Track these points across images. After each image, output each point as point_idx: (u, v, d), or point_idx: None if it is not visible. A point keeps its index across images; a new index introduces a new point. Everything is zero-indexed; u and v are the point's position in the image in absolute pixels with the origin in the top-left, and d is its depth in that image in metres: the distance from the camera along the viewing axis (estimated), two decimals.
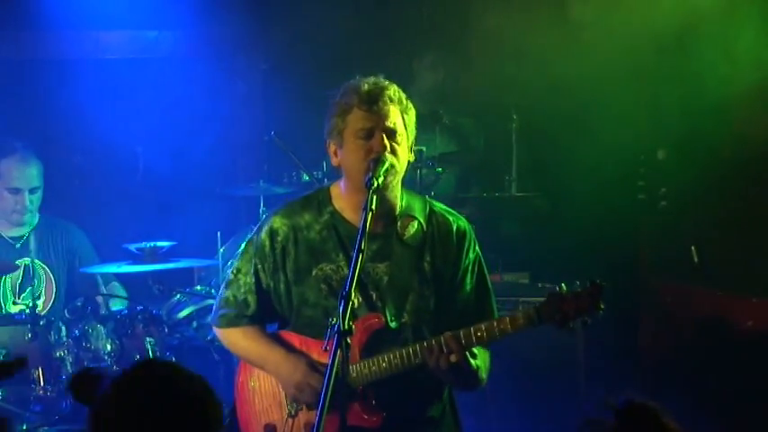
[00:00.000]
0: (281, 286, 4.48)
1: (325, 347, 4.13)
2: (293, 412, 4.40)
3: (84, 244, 7.14)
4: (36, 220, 7.04)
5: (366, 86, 4.28)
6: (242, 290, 4.52)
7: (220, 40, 8.43)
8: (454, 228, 4.47)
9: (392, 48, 7.93)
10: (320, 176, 6.96)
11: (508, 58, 7.74)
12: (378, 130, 4.25)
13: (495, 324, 4.17)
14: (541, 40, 7.35)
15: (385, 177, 4.18)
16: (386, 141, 4.24)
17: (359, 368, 4.27)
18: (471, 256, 4.48)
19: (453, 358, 4.13)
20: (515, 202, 7.72)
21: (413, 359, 4.21)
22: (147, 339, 6.43)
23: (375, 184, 4.10)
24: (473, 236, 4.51)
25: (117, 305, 6.83)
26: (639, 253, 7.96)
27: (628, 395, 2.66)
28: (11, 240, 7.00)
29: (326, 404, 3.65)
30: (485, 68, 7.90)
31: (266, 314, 4.57)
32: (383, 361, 4.25)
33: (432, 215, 4.48)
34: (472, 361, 4.21)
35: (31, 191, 6.86)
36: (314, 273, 4.40)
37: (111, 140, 7.97)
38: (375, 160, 4.20)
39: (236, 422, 4.60)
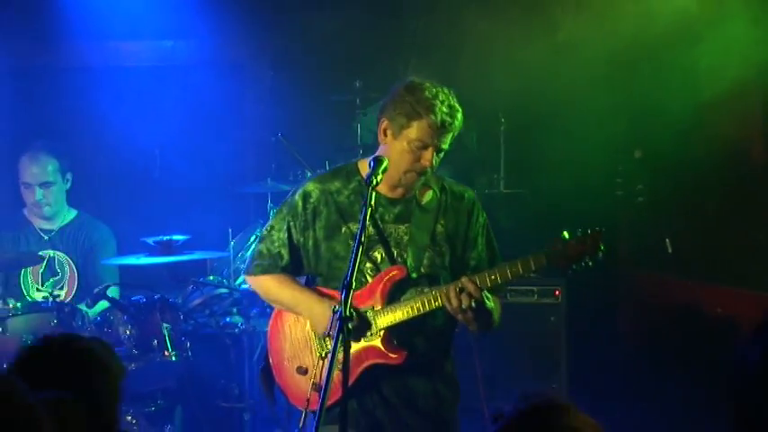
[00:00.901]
0: (310, 242, 4.65)
1: (328, 332, 4.36)
2: (323, 354, 4.51)
3: (106, 241, 7.14)
4: (71, 216, 7.08)
5: (442, 111, 4.39)
6: (275, 244, 4.70)
7: (231, 49, 8.45)
8: (465, 196, 4.70)
9: (390, 57, 7.93)
10: None
11: (497, 66, 7.71)
12: (432, 147, 4.42)
13: (507, 267, 4.37)
14: (528, 49, 7.37)
15: (381, 173, 4.30)
16: (434, 158, 4.45)
17: (384, 313, 4.47)
18: (481, 220, 4.69)
19: (472, 298, 4.31)
20: (504, 199, 7.80)
21: (433, 303, 4.39)
22: (164, 325, 6.46)
23: (374, 182, 4.24)
24: (480, 204, 4.73)
25: (113, 292, 6.84)
26: (617, 245, 7.86)
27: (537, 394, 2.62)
28: (41, 233, 7.02)
29: (330, 378, 3.84)
30: (475, 75, 7.90)
31: (295, 267, 4.74)
32: (407, 306, 4.44)
33: (444, 186, 4.69)
34: (487, 302, 4.40)
35: (42, 185, 6.88)
36: (343, 230, 4.58)
37: (131, 142, 7.97)
38: (375, 159, 4.35)
39: (270, 367, 4.77)
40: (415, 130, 4.40)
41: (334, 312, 3.94)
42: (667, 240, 7.32)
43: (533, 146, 7.75)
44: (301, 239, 4.66)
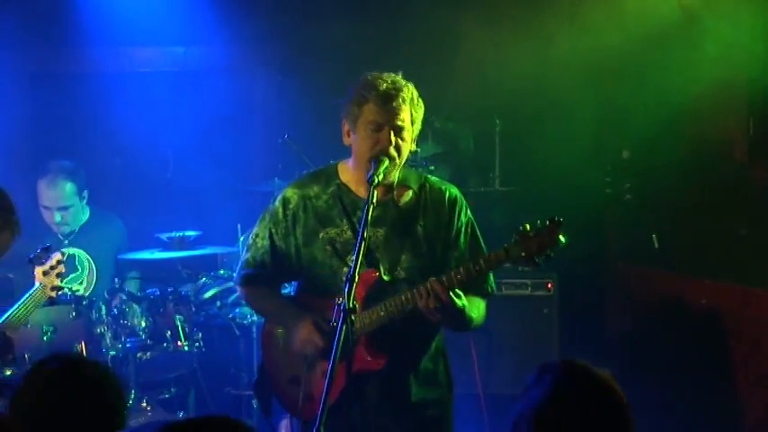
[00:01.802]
0: (292, 249, 4.50)
1: (332, 323, 4.18)
2: (312, 363, 4.38)
3: (122, 235, 7.10)
4: (86, 216, 6.99)
5: (384, 85, 4.27)
6: (260, 252, 4.55)
7: (241, 55, 8.40)
8: (446, 195, 4.46)
9: (391, 61, 7.93)
10: None
11: (492, 71, 7.75)
12: (387, 126, 4.25)
13: (471, 265, 4.14)
14: (522, 54, 7.40)
15: (385, 175, 4.21)
16: (392, 137, 4.25)
17: (361, 318, 4.24)
18: (463, 219, 4.45)
19: (440, 298, 4.11)
20: (499, 196, 7.80)
21: (405, 304, 4.20)
22: (177, 317, 6.49)
23: (375, 181, 4.15)
24: (464, 202, 4.50)
25: (132, 287, 6.86)
26: (606, 240, 7.97)
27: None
28: (61, 236, 6.91)
29: (335, 367, 3.71)
30: (472, 80, 7.93)
31: (281, 274, 4.63)
32: (381, 310, 4.26)
33: (425, 185, 4.48)
34: (457, 301, 4.15)
35: (60, 209, 6.79)
36: (321, 236, 4.43)
37: (145, 144, 8.02)
38: (376, 160, 4.23)
39: (267, 377, 4.62)
40: (366, 114, 4.26)
41: (338, 305, 3.82)
42: (654, 236, 7.35)
43: (527, 146, 7.77)
44: (283, 246, 4.51)
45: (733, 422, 6.74)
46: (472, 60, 7.95)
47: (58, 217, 6.81)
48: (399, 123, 4.26)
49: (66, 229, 6.91)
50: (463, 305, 4.21)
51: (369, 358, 4.31)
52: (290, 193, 4.54)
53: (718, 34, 6.69)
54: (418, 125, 4.38)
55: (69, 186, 6.80)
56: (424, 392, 4.49)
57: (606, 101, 7.54)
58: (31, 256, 5.73)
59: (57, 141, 7.69)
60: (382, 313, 4.27)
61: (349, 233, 4.36)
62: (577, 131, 7.43)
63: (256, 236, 4.59)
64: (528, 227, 4.08)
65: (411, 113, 4.30)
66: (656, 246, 7.34)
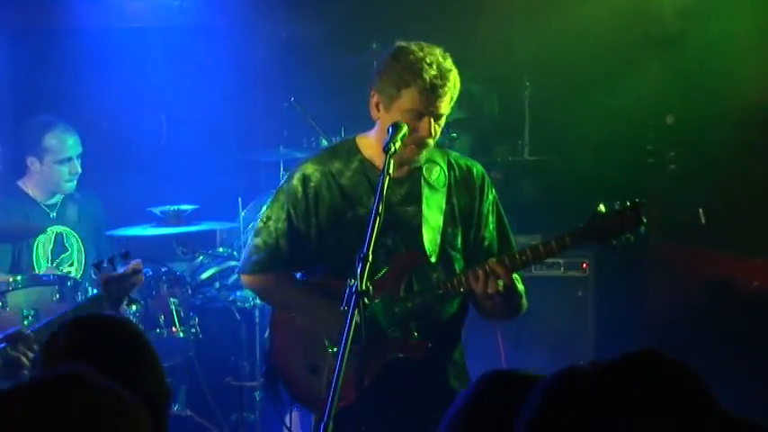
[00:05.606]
0: (313, 231, 4.42)
1: (343, 307, 3.99)
2: (334, 349, 4.31)
3: (102, 213, 7.03)
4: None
5: (431, 73, 4.14)
6: (273, 235, 4.44)
7: (241, 8, 8.22)
8: (474, 171, 4.52)
9: (408, 17, 7.83)
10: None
11: (521, 27, 7.72)
12: (427, 115, 4.19)
13: (539, 246, 4.19)
14: (555, 8, 7.37)
15: (403, 143, 4.09)
16: (432, 126, 4.21)
17: (404, 302, 4.31)
18: (491, 196, 4.52)
19: (501, 282, 4.15)
20: (528, 166, 7.74)
21: (458, 288, 4.24)
22: (171, 300, 6.46)
23: (392, 149, 3.99)
24: (489, 179, 4.57)
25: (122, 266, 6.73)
26: (648, 215, 7.90)
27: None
28: (46, 208, 6.76)
29: (345, 359, 3.52)
30: (497, 36, 7.87)
31: (297, 259, 4.50)
32: (428, 293, 4.31)
33: (451, 161, 4.51)
34: (518, 285, 4.27)
35: (78, 156, 6.69)
36: (349, 216, 4.38)
37: (136, 107, 7.89)
38: (394, 126, 4.11)
39: (274, 367, 4.57)
40: (406, 100, 4.18)
41: (350, 287, 3.67)
42: (701, 210, 7.27)
43: (560, 111, 7.67)
44: (303, 227, 4.42)
45: None
46: (499, 15, 7.88)
47: (77, 166, 6.68)
48: (441, 112, 4.22)
49: (72, 187, 6.72)
50: (522, 290, 4.31)
51: (411, 346, 4.35)
52: (311, 169, 4.43)
53: None
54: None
55: (76, 133, 6.73)
56: (454, 383, 4.51)
57: (648, 63, 7.40)
58: (102, 262, 5.28)
59: (39, 104, 7.44)
60: (430, 297, 4.31)
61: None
62: (616, 94, 7.29)
63: (268, 218, 4.48)
64: (604, 208, 4.12)
65: (450, 100, 4.26)
66: (703, 221, 7.26)
